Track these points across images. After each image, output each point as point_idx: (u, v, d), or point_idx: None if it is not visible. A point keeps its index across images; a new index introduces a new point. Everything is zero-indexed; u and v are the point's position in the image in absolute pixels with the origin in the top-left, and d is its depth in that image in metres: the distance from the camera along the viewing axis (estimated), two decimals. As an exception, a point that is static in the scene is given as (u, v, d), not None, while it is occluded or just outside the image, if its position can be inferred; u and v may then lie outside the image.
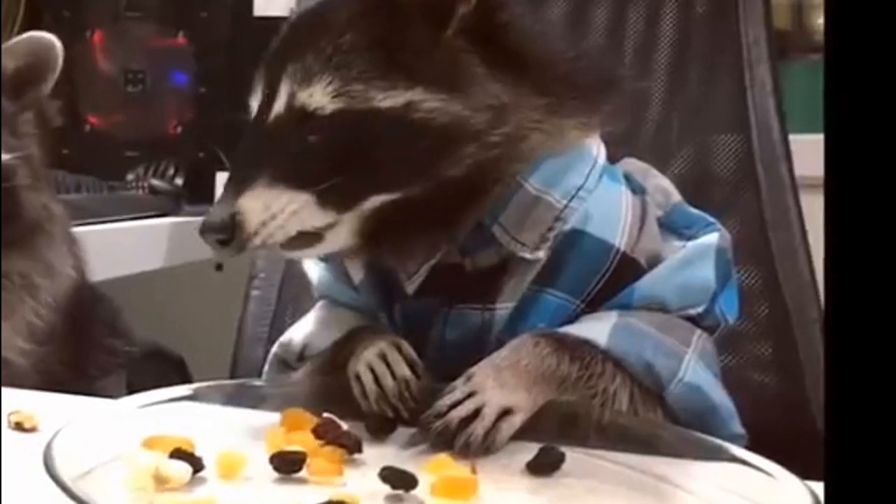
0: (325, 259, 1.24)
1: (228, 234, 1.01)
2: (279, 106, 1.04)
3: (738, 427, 1.09)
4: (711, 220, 1.16)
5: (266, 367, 1.23)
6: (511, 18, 1.08)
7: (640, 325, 1.06)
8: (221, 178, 2.61)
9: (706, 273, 1.10)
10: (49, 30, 1.56)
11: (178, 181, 2.55)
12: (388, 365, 1.05)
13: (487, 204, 1.07)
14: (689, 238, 1.14)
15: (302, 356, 1.17)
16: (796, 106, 2.06)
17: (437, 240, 1.08)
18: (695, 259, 1.11)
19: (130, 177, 2.56)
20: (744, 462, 0.90)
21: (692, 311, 1.09)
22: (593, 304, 1.08)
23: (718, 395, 1.08)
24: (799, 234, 1.65)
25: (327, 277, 1.22)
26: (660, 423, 1.04)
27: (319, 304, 1.23)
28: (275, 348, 1.22)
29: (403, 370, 1.05)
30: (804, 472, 0.85)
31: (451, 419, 0.97)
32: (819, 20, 2.78)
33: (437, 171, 1.04)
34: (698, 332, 1.09)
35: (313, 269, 1.25)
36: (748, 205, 1.69)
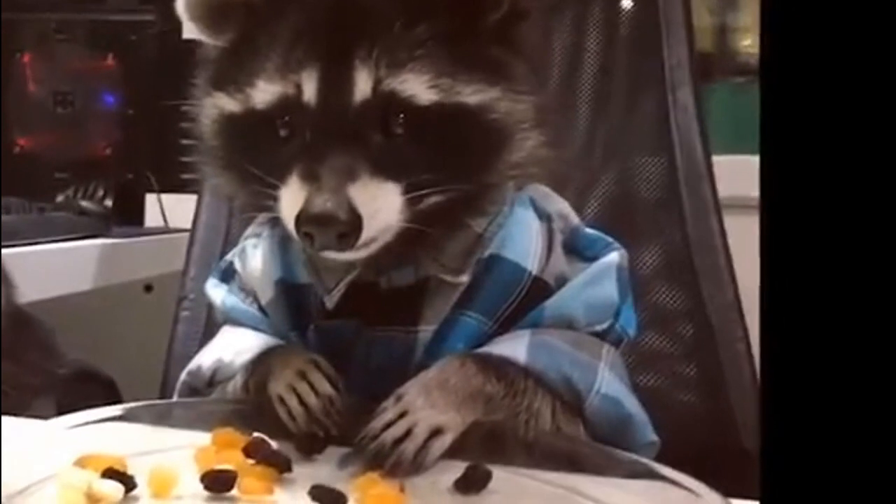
0: (227, 280, 1.24)
1: (352, 227, 0.93)
2: (363, 89, 0.97)
3: (652, 435, 1.12)
4: (610, 240, 1.19)
5: (175, 396, 1.22)
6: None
7: (554, 341, 1.08)
8: (151, 199, 2.61)
9: (610, 290, 1.13)
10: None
11: (108, 202, 2.54)
12: (309, 384, 1.06)
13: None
14: (591, 259, 1.16)
15: (212, 382, 1.17)
16: (720, 127, 2.10)
17: (452, 247, 1.09)
18: (599, 278, 1.14)
19: (60, 198, 2.55)
20: (668, 480, 0.91)
21: (598, 328, 1.12)
22: (505, 325, 1.10)
23: (632, 404, 1.11)
24: (723, 255, 1.67)
25: (232, 300, 1.21)
26: (585, 441, 1.06)
27: (225, 328, 1.22)
28: (183, 376, 1.21)
29: (325, 387, 1.05)
30: (730, 491, 0.87)
31: (385, 440, 0.98)
32: (743, 42, 2.83)
33: (486, 174, 1.05)
34: (606, 346, 1.12)
35: (216, 292, 1.24)
36: (672, 226, 1.71)
